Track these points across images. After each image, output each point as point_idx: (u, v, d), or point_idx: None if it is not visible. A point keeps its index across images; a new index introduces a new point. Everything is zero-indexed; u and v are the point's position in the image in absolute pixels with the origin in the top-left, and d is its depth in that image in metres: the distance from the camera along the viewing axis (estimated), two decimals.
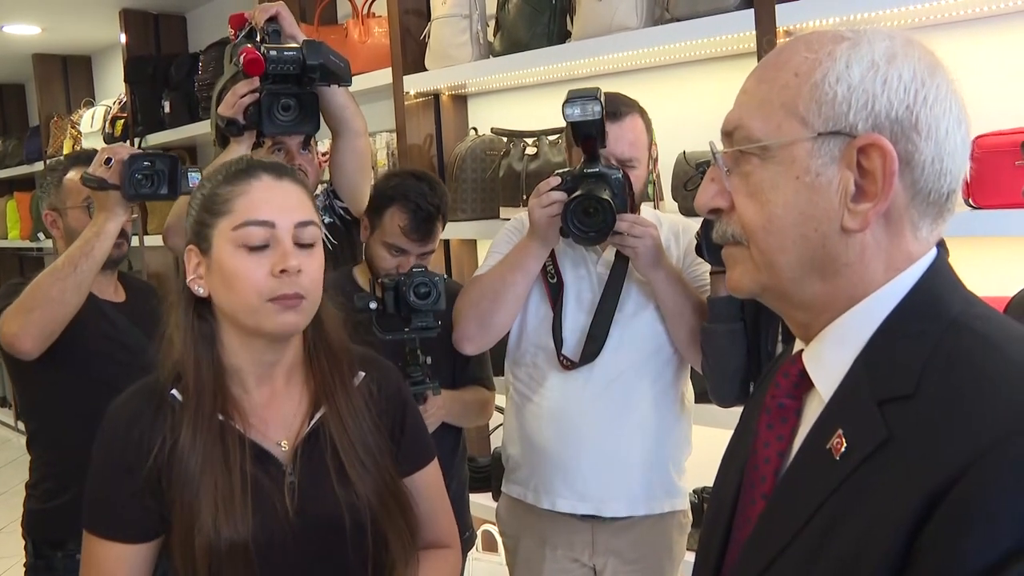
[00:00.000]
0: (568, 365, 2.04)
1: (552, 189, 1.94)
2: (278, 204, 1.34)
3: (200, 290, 1.36)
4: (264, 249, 1.32)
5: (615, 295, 2.04)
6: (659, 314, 2.03)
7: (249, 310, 1.32)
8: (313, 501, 1.35)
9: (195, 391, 1.34)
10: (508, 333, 2.16)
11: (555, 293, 2.08)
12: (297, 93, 2.11)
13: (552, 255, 2.07)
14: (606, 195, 1.87)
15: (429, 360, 2.04)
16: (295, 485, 1.35)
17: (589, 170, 1.91)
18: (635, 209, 1.98)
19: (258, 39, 2.12)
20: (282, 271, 1.30)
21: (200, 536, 1.29)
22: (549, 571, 2.10)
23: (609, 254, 2.07)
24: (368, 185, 2.40)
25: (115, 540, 1.34)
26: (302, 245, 1.34)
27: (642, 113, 2.07)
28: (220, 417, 1.34)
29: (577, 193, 1.88)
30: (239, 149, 2.11)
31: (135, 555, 1.35)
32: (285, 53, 2.05)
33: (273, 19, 2.12)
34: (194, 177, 2.02)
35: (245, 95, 2.06)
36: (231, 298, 1.33)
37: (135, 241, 2.89)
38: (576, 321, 2.06)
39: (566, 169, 2.00)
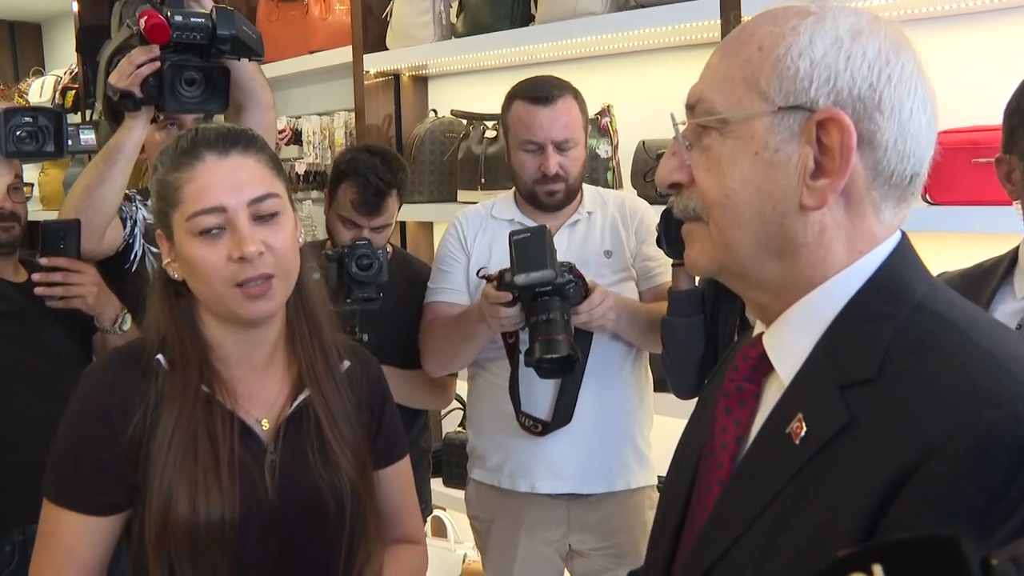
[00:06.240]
0: (530, 427, 2.04)
1: (505, 303, 1.88)
2: (226, 184, 1.26)
3: (175, 274, 1.32)
4: (221, 234, 1.25)
5: (580, 368, 2.01)
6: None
7: (216, 297, 1.28)
8: (294, 481, 1.32)
9: (180, 360, 1.30)
10: None
11: (512, 351, 2.07)
12: (203, 67, 1.84)
13: None
14: (564, 347, 1.81)
15: (366, 338, 2.02)
16: (276, 464, 1.31)
17: (542, 289, 1.85)
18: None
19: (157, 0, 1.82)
20: (240, 258, 1.24)
21: (178, 511, 1.24)
22: (524, 552, 2.11)
23: None
24: None
25: (77, 511, 1.27)
26: (263, 220, 1.27)
27: (575, 94, 2.07)
28: (205, 389, 1.30)
29: (539, 357, 1.82)
30: (135, 126, 1.85)
31: (97, 528, 1.28)
32: (192, 20, 1.78)
33: None
34: (86, 133, 1.80)
35: (143, 64, 1.78)
36: (198, 286, 1.29)
37: None
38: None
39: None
